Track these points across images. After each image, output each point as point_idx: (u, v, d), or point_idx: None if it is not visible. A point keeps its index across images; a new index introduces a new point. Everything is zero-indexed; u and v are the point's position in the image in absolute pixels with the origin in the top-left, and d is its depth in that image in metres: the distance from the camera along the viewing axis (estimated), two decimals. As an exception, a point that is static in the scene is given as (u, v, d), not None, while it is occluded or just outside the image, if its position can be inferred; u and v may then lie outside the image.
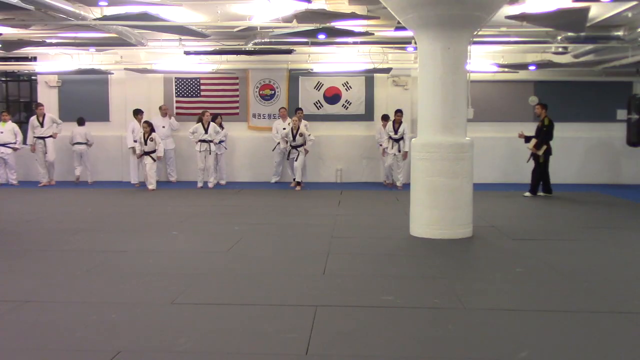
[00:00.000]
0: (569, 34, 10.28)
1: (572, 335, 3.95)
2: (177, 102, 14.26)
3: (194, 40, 11.36)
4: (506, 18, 8.71)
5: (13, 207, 9.91)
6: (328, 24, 9.25)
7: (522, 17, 8.51)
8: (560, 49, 11.81)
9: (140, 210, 9.52)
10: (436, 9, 6.79)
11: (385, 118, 13.23)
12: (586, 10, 8.18)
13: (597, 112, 13.81)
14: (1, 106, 15.42)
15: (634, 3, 8.42)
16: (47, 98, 14.35)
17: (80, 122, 13.59)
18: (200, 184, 12.67)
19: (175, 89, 14.26)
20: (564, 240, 7.21)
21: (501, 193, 11.86)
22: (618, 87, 13.71)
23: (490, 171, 13.57)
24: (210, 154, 12.61)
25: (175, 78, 14.22)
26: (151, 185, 12.14)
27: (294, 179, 12.67)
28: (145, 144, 12.13)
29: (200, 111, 13.56)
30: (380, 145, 13.24)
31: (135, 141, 12.69)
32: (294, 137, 12.47)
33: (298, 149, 12.51)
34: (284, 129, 13.09)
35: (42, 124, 13.06)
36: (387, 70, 13.32)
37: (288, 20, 9.41)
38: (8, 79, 15.93)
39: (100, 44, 11.82)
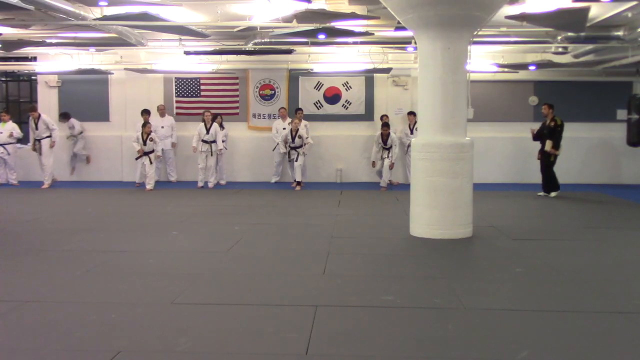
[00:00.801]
0: (569, 34, 10.28)
1: (572, 335, 3.95)
2: (177, 102, 14.26)
3: (194, 40, 11.36)
4: (506, 18, 8.71)
5: (13, 207, 9.91)
6: (328, 24, 9.25)
7: (522, 17, 8.51)
8: (560, 49, 11.81)
9: (140, 210, 9.52)
10: (436, 9, 6.79)
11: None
12: (586, 10, 8.18)
13: (597, 112, 13.81)
14: (1, 106, 15.42)
15: (634, 3, 8.42)
16: (47, 98, 14.36)
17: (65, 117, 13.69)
18: (200, 184, 12.67)
19: (175, 89, 14.27)
20: (564, 240, 7.21)
21: (501, 193, 11.86)
22: (618, 87, 13.71)
23: (490, 171, 13.58)
24: (211, 154, 12.61)
25: (175, 78, 14.23)
26: (149, 186, 12.13)
27: (295, 179, 12.67)
28: (145, 144, 12.12)
29: (200, 111, 13.58)
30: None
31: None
32: (293, 138, 12.46)
33: (298, 149, 12.51)
34: (284, 129, 13.11)
35: (37, 127, 12.88)
36: (387, 70, 13.33)
37: (288, 20, 9.41)
38: (8, 79, 15.93)
39: (100, 44, 11.82)
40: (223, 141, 13.21)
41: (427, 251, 6.52)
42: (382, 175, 12.75)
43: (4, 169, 13.15)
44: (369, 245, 6.86)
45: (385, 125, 12.63)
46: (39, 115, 12.90)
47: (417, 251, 6.57)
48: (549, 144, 11.26)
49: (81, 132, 13.96)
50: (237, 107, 14.26)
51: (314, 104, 14.15)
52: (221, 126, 13.27)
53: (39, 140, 12.90)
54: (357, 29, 9.99)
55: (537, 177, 13.73)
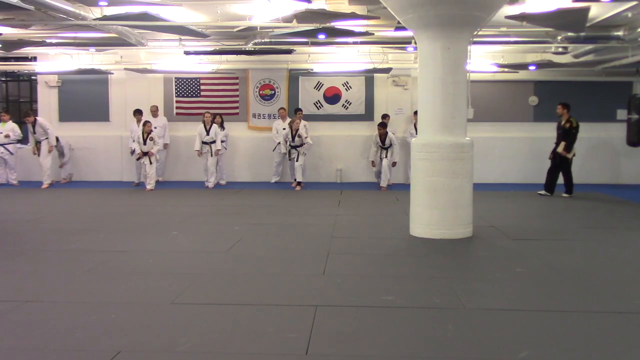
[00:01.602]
0: (569, 34, 10.28)
1: (572, 335, 3.95)
2: (177, 102, 14.26)
3: (194, 40, 11.36)
4: (506, 18, 8.71)
5: (13, 207, 9.91)
6: (328, 24, 9.25)
7: (522, 17, 8.51)
8: (560, 49, 11.81)
9: (140, 210, 9.52)
10: (436, 9, 6.79)
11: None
12: (586, 10, 8.18)
13: (597, 112, 13.81)
14: (0, 106, 15.42)
15: (634, 3, 8.42)
16: (47, 98, 14.36)
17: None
18: (207, 184, 12.70)
19: (175, 89, 14.26)
20: (564, 240, 7.21)
21: (501, 193, 11.86)
22: (618, 87, 13.71)
23: (490, 171, 13.58)
24: (211, 155, 12.63)
25: (175, 78, 14.22)
26: (149, 185, 12.12)
27: (295, 179, 12.67)
28: (145, 143, 12.10)
29: (200, 111, 13.58)
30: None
31: (133, 141, 12.70)
32: (293, 137, 12.45)
33: (297, 149, 12.50)
34: (284, 129, 13.12)
35: (34, 130, 12.85)
36: (387, 70, 13.33)
37: (288, 20, 9.41)
38: (8, 79, 15.94)
39: (100, 44, 11.82)
40: (223, 141, 13.21)
41: (427, 251, 6.52)
42: (381, 175, 12.63)
43: (4, 169, 13.15)
44: (369, 245, 6.86)
45: (382, 126, 12.55)
46: (35, 120, 12.86)
47: (417, 251, 6.57)
48: (561, 146, 11.20)
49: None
50: (237, 107, 14.26)
51: (314, 104, 14.15)
52: (221, 126, 13.28)
53: (39, 142, 12.93)
54: (357, 29, 9.99)
55: (536, 177, 13.78)
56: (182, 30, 10.07)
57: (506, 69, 13.13)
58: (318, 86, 14.13)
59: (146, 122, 12.29)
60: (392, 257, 6.34)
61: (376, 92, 14.11)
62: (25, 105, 15.92)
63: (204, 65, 13.84)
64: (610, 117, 13.80)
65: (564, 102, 11.47)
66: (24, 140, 13.79)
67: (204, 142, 12.64)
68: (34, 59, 13.95)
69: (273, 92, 14.22)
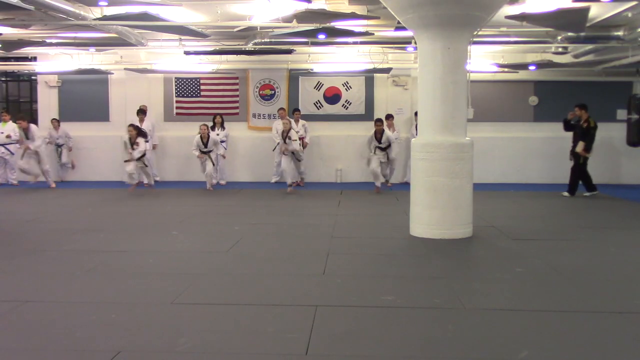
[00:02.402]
0: (569, 34, 10.29)
1: (572, 335, 3.95)
2: (177, 102, 14.26)
3: (194, 40, 11.37)
4: (506, 18, 8.71)
5: (13, 207, 9.91)
6: (328, 24, 9.25)
7: (522, 17, 8.51)
8: (560, 49, 11.82)
9: (140, 210, 9.51)
10: (436, 9, 6.79)
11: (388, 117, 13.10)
12: (586, 10, 8.19)
13: (597, 112, 13.76)
14: (0, 106, 15.42)
15: (634, 3, 8.42)
16: (47, 98, 14.37)
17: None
18: (208, 187, 12.44)
19: (175, 89, 14.27)
20: (564, 240, 7.21)
21: (501, 193, 11.86)
22: (618, 87, 13.71)
23: (490, 171, 13.58)
24: (213, 164, 12.26)
25: (175, 78, 14.23)
26: (146, 182, 12.17)
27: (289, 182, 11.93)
28: (132, 148, 11.48)
29: (200, 111, 13.59)
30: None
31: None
32: (284, 139, 11.82)
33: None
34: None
35: (27, 136, 12.74)
36: (387, 70, 13.33)
37: (288, 20, 9.41)
38: (8, 79, 15.93)
39: (100, 44, 11.82)
40: (223, 141, 13.19)
41: (427, 251, 6.52)
42: (379, 176, 12.10)
43: (4, 169, 13.15)
44: (369, 245, 6.86)
45: (379, 121, 11.87)
46: (28, 126, 12.77)
47: (417, 251, 6.57)
48: (580, 146, 11.19)
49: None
50: (237, 107, 14.26)
51: (314, 104, 14.15)
52: (222, 126, 13.27)
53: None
54: (357, 29, 9.99)
55: (536, 177, 13.80)
56: (182, 30, 10.07)
57: (506, 69, 13.13)
58: (318, 86, 14.13)
59: (131, 127, 11.64)
60: (392, 257, 6.34)
61: (376, 92, 14.11)
62: (25, 105, 15.92)
63: (204, 65, 13.84)
64: (610, 117, 13.80)
65: (580, 103, 11.47)
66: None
67: (202, 152, 12.15)
68: (34, 59, 13.96)
69: (273, 92, 14.22)
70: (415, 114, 12.76)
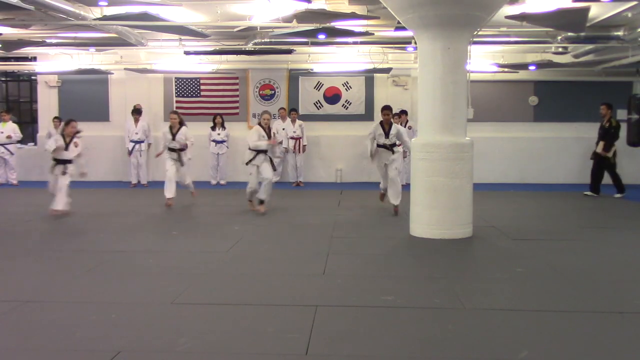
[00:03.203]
0: (569, 34, 10.28)
1: (572, 335, 3.95)
2: (177, 102, 14.25)
3: (194, 40, 11.36)
4: (506, 18, 8.71)
5: (13, 207, 9.91)
6: (328, 24, 9.25)
7: (522, 17, 8.51)
8: (560, 49, 11.81)
9: (140, 210, 9.50)
10: (436, 9, 6.79)
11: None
12: (586, 10, 8.18)
13: (597, 112, 13.75)
14: (1, 106, 15.42)
15: (634, 3, 8.41)
16: (47, 98, 14.35)
17: None
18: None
19: (175, 89, 14.26)
20: (564, 240, 7.21)
21: (501, 193, 11.86)
22: (618, 87, 13.70)
23: (490, 171, 13.57)
24: (182, 165, 9.95)
25: (175, 78, 14.22)
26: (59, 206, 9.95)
27: (259, 200, 9.16)
28: (66, 149, 9.31)
29: (200, 111, 13.57)
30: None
31: (130, 141, 12.77)
32: (268, 136, 9.27)
33: (268, 154, 9.34)
34: (284, 129, 13.13)
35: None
36: (387, 70, 13.32)
37: (288, 20, 9.41)
38: (8, 79, 15.93)
39: (100, 44, 11.82)
40: (224, 141, 13.15)
41: (427, 251, 6.52)
42: (388, 190, 9.10)
43: (4, 169, 13.16)
44: (369, 245, 6.86)
45: (387, 109, 9.05)
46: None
47: (417, 251, 6.57)
48: (600, 146, 11.14)
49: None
50: (237, 107, 14.26)
51: (314, 104, 14.15)
52: (222, 126, 13.26)
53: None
54: (357, 29, 9.99)
55: (536, 177, 13.79)
56: (182, 30, 10.06)
57: (506, 69, 13.13)
58: (318, 86, 14.13)
59: (69, 122, 9.28)
60: (392, 257, 6.34)
61: (376, 92, 14.11)
62: (25, 105, 15.92)
63: (204, 65, 13.84)
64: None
65: (607, 102, 11.45)
66: (24, 140, 13.79)
67: (170, 149, 9.88)
68: (34, 59, 13.95)
69: (273, 92, 14.22)
70: (398, 114, 12.68)
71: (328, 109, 14.14)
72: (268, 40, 10.72)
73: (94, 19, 9.10)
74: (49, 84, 14.31)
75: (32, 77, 15.05)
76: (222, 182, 13.37)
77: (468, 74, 7.35)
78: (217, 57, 13.06)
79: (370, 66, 13.05)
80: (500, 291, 4.97)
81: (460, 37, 7.07)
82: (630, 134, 13.12)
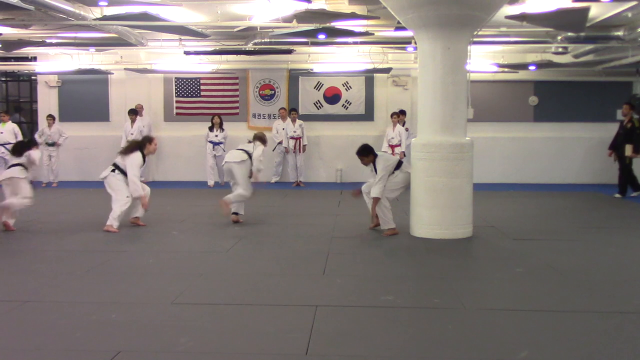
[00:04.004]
0: (569, 34, 10.28)
1: (572, 335, 3.95)
2: (177, 102, 14.26)
3: (194, 40, 11.36)
4: (506, 18, 8.71)
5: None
6: (328, 24, 9.25)
7: (522, 17, 8.51)
8: (560, 49, 11.81)
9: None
10: (436, 9, 6.79)
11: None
12: (586, 10, 8.18)
13: (597, 112, 13.81)
14: (1, 106, 15.42)
15: (634, 3, 8.41)
16: (47, 98, 14.35)
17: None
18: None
19: (175, 89, 14.26)
20: (564, 240, 7.21)
21: (501, 193, 11.86)
22: (618, 87, 13.71)
23: (490, 171, 13.56)
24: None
25: (175, 78, 14.22)
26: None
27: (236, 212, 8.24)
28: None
29: (201, 111, 13.54)
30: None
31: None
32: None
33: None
34: (284, 129, 13.12)
35: None
36: (387, 70, 13.32)
37: (288, 20, 9.41)
38: (8, 79, 15.93)
39: (100, 44, 11.82)
40: (221, 143, 13.07)
41: (427, 251, 6.52)
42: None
43: (4, 169, 13.13)
44: (369, 245, 6.86)
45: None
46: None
47: (417, 251, 6.57)
48: (629, 149, 10.88)
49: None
50: (237, 107, 14.25)
51: (314, 104, 14.15)
52: (221, 127, 13.18)
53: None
54: (357, 29, 9.99)
55: (536, 177, 13.79)
56: (182, 30, 10.07)
57: (506, 69, 13.13)
58: (318, 86, 14.13)
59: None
60: (392, 257, 6.34)
61: (376, 92, 14.11)
62: (25, 105, 15.93)
63: (204, 65, 13.84)
64: (610, 117, 13.77)
65: (629, 101, 11.37)
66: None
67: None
68: (34, 59, 13.95)
69: (273, 92, 14.22)
70: (391, 115, 12.68)
71: (328, 109, 14.14)
72: (268, 40, 10.72)
73: (94, 19, 9.10)
74: (49, 84, 14.31)
75: (32, 77, 15.05)
76: (221, 182, 13.18)
77: (468, 74, 7.35)
78: (217, 57, 13.06)
79: (370, 66, 13.05)
80: (500, 291, 4.97)
81: (460, 37, 7.07)
82: (627, 136, 13.11)
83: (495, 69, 13.07)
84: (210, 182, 13.21)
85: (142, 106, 13.63)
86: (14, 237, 7.31)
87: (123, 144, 13.00)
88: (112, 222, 7.55)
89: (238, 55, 12.81)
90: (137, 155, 7.89)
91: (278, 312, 4.38)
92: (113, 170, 8.00)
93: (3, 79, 15.97)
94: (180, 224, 8.18)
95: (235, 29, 10.42)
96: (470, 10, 6.86)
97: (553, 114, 13.84)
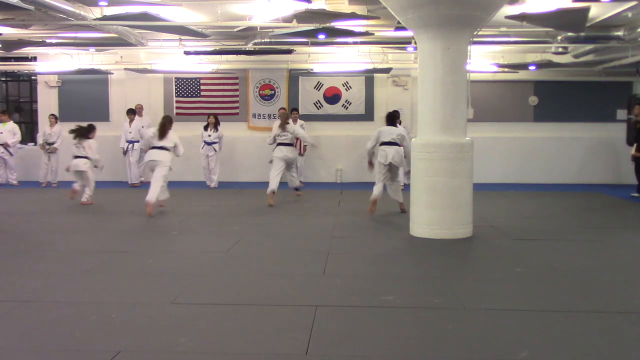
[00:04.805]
0: (569, 34, 10.28)
1: (572, 335, 3.95)
2: (177, 102, 14.26)
3: (194, 40, 11.36)
4: (506, 18, 8.71)
5: (13, 207, 9.91)
6: (328, 24, 9.25)
7: (522, 17, 8.51)
8: (560, 49, 11.81)
9: (140, 210, 9.49)
10: (436, 9, 6.79)
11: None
12: (586, 10, 8.18)
13: (597, 112, 13.81)
14: (1, 106, 15.42)
15: (634, 3, 8.42)
16: (47, 98, 14.36)
17: None
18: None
19: (175, 89, 14.27)
20: (564, 240, 7.21)
21: (501, 193, 11.86)
22: (618, 87, 13.71)
23: (490, 171, 13.57)
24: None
25: (175, 78, 14.23)
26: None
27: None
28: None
29: (201, 111, 13.52)
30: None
31: (126, 141, 12.84)
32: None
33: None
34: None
35: None
36: (387, 70, 13.33)
37: (288, 20, 9.41)
38: (8, 79, 15.93)
39: (100, 44, 11.82)
40: (216, 142, 12.90)
41: (427, 251, 6.52)
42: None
43: (4, 169, 13.16)
44: (369, 245, 6.86)
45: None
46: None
47: (417, 251, 6.57)
48: (633, 149, 11.17)
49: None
50: (237, 107, 14.26)
51: (314, 104, 14.15)
52: (215, 127, 12.96)
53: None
54: (357, 29, 9.98)
55: (536, 177, 13.80)
56: (182, 30, 10.07)
57: (506, 69, 13.13)
58: (318, 86, 14.13)
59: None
60: (392, 257, 6.34)
61: (376, 92, 14.11)
62: (25, 105, 15.92)
63: (204, 65, 13.84)
64: (610, 117, 13.80)
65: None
66: (24, 140, 13.78)
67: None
68: (34, 59, 13.95)
69: (273, 92, 14.22)
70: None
71: (328, 109, 14.14)
72: (268, 40, 10.72)
73: (94, 19, 9.10)
74: (49, 84, 14.31)
75: (32, 77, 15.05)
76: (211, 184, 12.88)
77: (468, 74, 7.35)
78: (217, 57, 13.05)
79: (370, 66, 13.05)
80: (500, 291, 4.97)
81: (460, 37, 7.07)
82: (630, 134, 13.13)
83: (495, 69, 13.07)
84: (209, 183, 13.06)
85: (142, 106, 13.60)
86: (13, 237, 7.31)
87: (122, 144, 13.10)
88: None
89: (238, 55, 12.81)
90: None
91: (278, 312, 4.38)
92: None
93: (3, 79, 15.95)
94: (180, 224, 8.18)
95: (235, 29, 10.42)
96: (471, 10, 6.86)
97: (553, 114, 13.85)
